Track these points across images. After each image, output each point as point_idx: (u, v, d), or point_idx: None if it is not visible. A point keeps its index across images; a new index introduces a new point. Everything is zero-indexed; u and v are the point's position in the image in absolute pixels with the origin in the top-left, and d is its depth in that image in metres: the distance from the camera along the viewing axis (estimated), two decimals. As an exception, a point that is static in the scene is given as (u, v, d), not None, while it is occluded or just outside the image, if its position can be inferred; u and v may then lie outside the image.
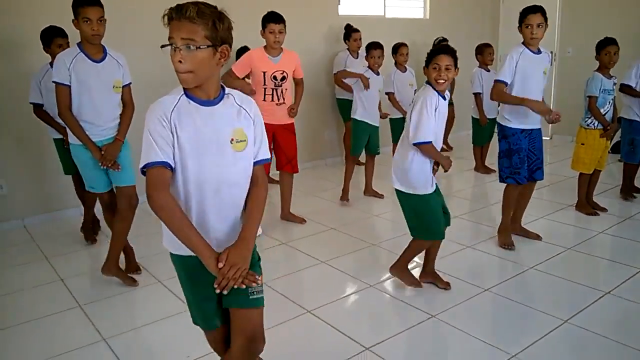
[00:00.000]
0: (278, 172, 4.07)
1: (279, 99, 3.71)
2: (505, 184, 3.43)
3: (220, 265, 1.44)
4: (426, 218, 2.72)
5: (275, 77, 3.67)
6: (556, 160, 5.84)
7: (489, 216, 4.10)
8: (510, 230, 3.51)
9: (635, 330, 2.47)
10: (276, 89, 3.69)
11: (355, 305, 2.83)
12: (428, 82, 2.63)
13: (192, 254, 1.49)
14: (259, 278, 1.56)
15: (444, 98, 2.64)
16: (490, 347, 2.33)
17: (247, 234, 1.53)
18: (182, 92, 1.49)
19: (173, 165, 1.47)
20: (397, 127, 4.77)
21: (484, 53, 5.23)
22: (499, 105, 3.53)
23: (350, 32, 5.46)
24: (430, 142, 2.59)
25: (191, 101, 1.49)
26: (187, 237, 1.46)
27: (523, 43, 3.22)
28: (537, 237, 3.56)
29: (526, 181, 3.36)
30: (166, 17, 1.43)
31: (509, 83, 3.19)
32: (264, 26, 3.64)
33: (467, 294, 2.84)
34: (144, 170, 1.46)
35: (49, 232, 4.01)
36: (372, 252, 3.47)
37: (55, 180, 4.20)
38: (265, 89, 3.66)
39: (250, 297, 1.58)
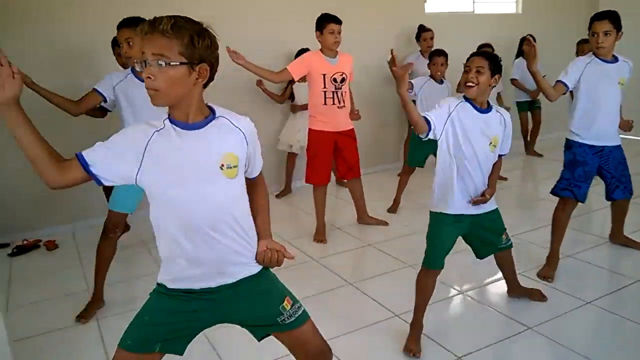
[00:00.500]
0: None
1: (339, 102, 3.62)
2: (556, 205, 3.10)
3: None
4: (427, 238, 2.43)
5: (335, 79, 3.57)
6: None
7: (592, 223, 3.84)
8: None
9: None
10: (336, 92, 3.60)
11: (448, 312, 2.77)
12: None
13: (192, 287, 1.46)
14: (287, 300, 1.56)
15: (477, 109, 2.26)
16: (595, 365, 2.18)
17: (268, 232, 1.61)
18: (166, 117, 1.42)
19: (94, 175, 1.37)
20: None
21: (585, 50, 4.90)
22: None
23: (420, 31, 5.26)
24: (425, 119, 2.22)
25: (174, 126, 1.40)
26: None
27: (593, 52, 2.95)
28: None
29: (584, 199, 3.03)
30: (140, 30, 1.33)
31: (570, 87, 2.94)
32: (322, 27, 3.51)
33: (568, 306, 2.68)
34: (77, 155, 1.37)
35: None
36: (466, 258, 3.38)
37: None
38: (325, 92, 3.57)
39: (285, 322, 1.55)
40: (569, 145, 3.04)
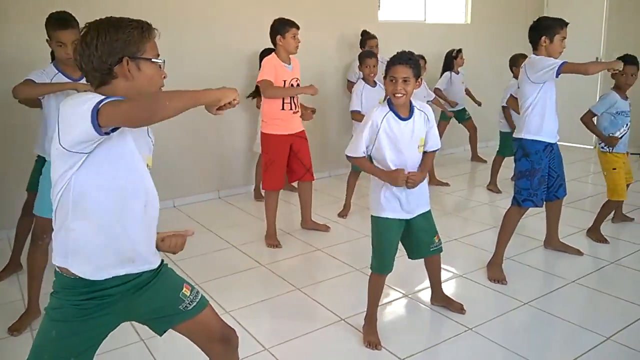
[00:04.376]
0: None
1: (295, 107, 3.65)
2: (509, 208, 3.21)
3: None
4: (374, 243, 2.50)
5: (292, 85, 3.61)
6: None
7: (528, 226, 4.00)
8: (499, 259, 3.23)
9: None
10: (292, 97, 3.63)
11: (390, 315, 2.83)
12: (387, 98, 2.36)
13: (115, 274, 1.43)
14: (185, 287, 1.59)
15: (402, 118, 2.32)
16: (528, 363, 2.28)
17: None
18: None
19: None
20: None
21: (519, 65, 5.06)
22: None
23: (366, 39, 5.26)
24: (360, 157, 2.37)
25: None
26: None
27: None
28: (578, 253, 3.45)
29: (543, 204, 3.19)
30: (155, 33, 1.45)
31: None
32: (284, 31, 3.51)
33: (505, 307, 2.78)
34: (97, 108, 1.27)
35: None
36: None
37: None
38: (284, 97, 3.60)
39: (187, 308, 1.57)
40: (526, 152, 3.10)
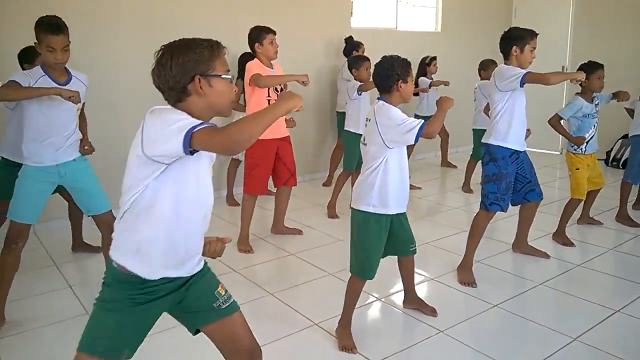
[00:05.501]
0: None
1: None
2: (477, 212, 3.26)
3: None
4: (361, 246, 2.47)
5: (275, 89, 3.63)
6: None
7: (498, 230, 4.07)
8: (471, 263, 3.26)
9: (647, 350, 2.44)
10: None
11: (362, 318, 2.83)
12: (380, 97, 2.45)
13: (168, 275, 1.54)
14: (221, 286, 1.68)
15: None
16: (498, 365, 2.31)
17: None
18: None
19: None
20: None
21: (488, 69, 5.21)
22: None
23: (356, 44, 5.39)
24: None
25: None
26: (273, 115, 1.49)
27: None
28: (545, 256, 3.52)
29: (507, 210, 3.22)
30: (225, 50, 1.55)
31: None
32: (261, 38, 3.55)
33: (475, 309, 2.82)
34: (191, 133, 1.35)
35: (59, 238, 3.99)
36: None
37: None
38: (269, 100, 3.59)
39: (221, 307, 1.64)
40: (493, 157, 3.16)
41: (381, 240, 2.45)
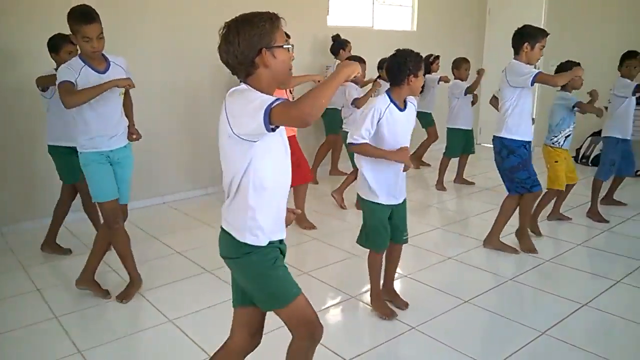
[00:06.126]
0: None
1: None
2: (523, 195, 3.45)
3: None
4: (370, 226, 2.66)
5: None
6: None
7: (470, 227, 4.12)
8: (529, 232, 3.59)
9: (612, 342, 2.50)
10: None
11: (336, 316, 2.83)
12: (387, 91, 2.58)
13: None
14: None
15: (400, 109, 2.53)
16: (468, 359, 2.34)
17: None
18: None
19: None
20: None
21: (460, 68, 5.28)
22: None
23: (344, 42, 5.43)
24: (364, 142, 2.49)
25: None
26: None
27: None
28: (515, 251, 3.58)
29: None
30: (282, 22, 1.66)
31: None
32: None
33: (447, 305, 2.85)
34: (270, 109, 1.45)
35: (27, 240, 3.93)
36: (355, 262, 3.48)
37: (35, 187, 4.17)
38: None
39: None
40: (511, 150, 3.34)
41: (384, 220, 2.65)
